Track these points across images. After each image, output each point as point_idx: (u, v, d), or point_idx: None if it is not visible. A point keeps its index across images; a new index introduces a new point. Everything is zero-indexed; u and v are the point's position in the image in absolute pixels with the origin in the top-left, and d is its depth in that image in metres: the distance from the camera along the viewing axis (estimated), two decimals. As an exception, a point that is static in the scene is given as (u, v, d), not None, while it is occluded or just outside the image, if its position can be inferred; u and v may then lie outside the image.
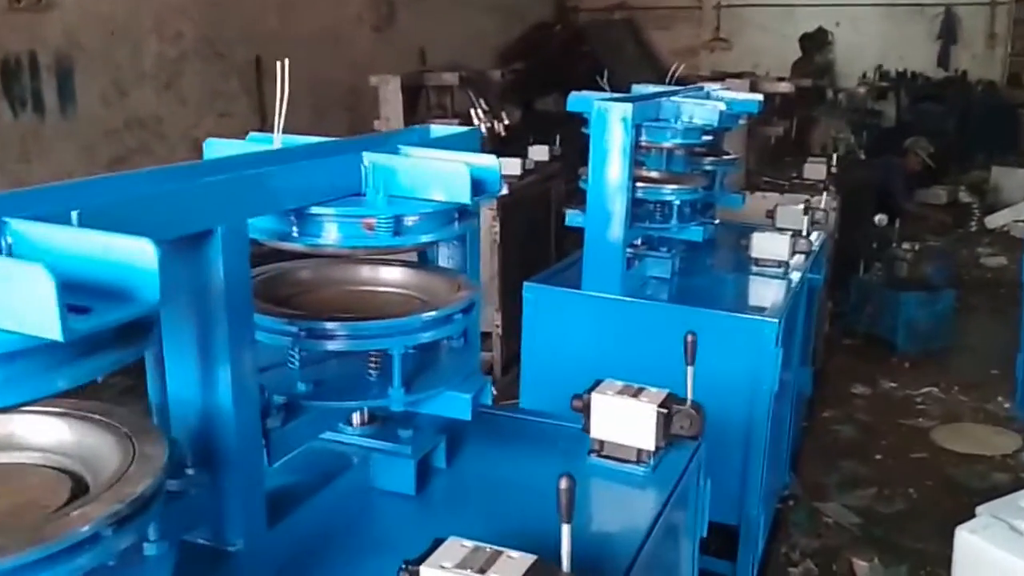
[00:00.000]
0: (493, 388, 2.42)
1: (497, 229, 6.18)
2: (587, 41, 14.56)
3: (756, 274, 4.64)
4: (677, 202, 4.27)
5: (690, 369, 2.53)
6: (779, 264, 4.64)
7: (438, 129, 2.62)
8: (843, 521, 4.99)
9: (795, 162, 8.11)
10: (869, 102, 14.48)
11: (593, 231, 4.03)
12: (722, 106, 4.28)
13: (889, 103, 14.85)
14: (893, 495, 5.32)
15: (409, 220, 2.08)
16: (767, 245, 4.66)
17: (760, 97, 5.12)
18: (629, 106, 3.86)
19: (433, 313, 2.14)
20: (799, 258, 4.76)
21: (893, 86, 15.68)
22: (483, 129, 6.74)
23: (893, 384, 7.02)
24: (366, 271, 2.42)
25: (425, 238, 2.13)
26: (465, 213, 2.26)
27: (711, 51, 16.79)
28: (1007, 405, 6.66)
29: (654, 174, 4.59)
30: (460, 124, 6.71)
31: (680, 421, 2.46)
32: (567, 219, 4.24)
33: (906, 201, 11.07)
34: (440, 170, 2.07)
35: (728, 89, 5.62)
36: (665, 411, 2.43)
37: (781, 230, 5.12)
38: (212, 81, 9.14)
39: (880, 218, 7.98)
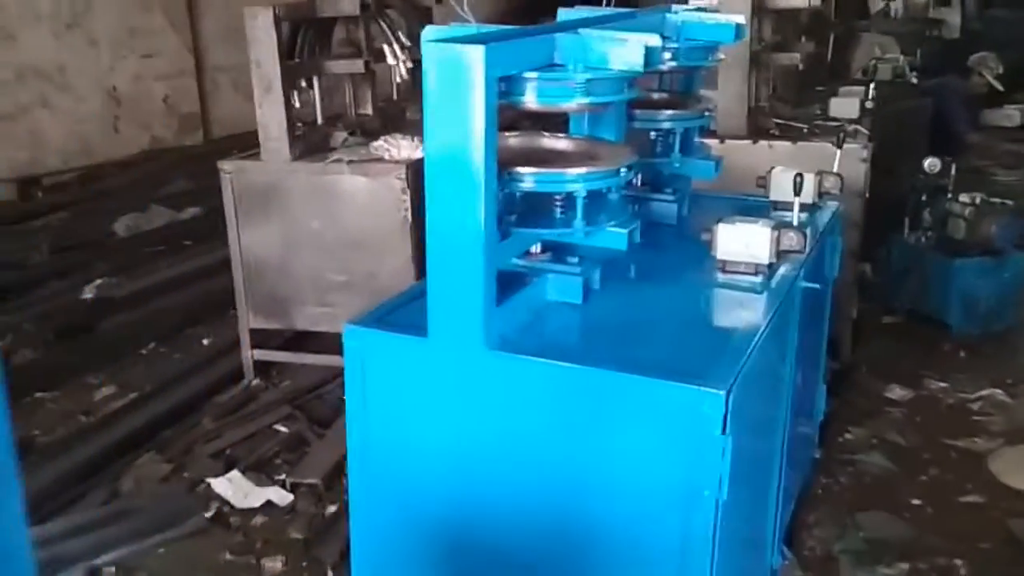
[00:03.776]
0: None
1: (407, 203, 4.78)
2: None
3: (723, 286, 3.28)
4: (583, 192, 2.84)
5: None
6: (756, 271, 3.24)
7: None
8: (857, 624, 3.60)
9: (827, 93, 6.58)
10: (930, 10, 12.65)
11: (437, 242, 2.63)
12: (653, 40, 2.82)
13: (953, 10, 13.00)
14: (932, 570, 3.91)
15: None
16: (738, 242, 3.27)
17: (739, 19, 3.67)
18: (480, 49, 2.42)
19: None
20: (793, 259, 3.34)
21: (959, -11, 13.84)
22: (403, 71, 5.30)
23: (942, 384, 5.57)
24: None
25: None
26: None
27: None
28: (1094, 415, 5.20)
29: (562, 145, 3.16)
30: (370, 65, 5.31)
31: None
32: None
33: (968, 132, 9.41)
34: None
35: (704, 9, 4.12)
36: None
37: (774, 207, 3.76)
38: (129, 17, 7.76)
39: (931, 163, 6.43)
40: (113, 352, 5.90)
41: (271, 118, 4.99)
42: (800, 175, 3.42)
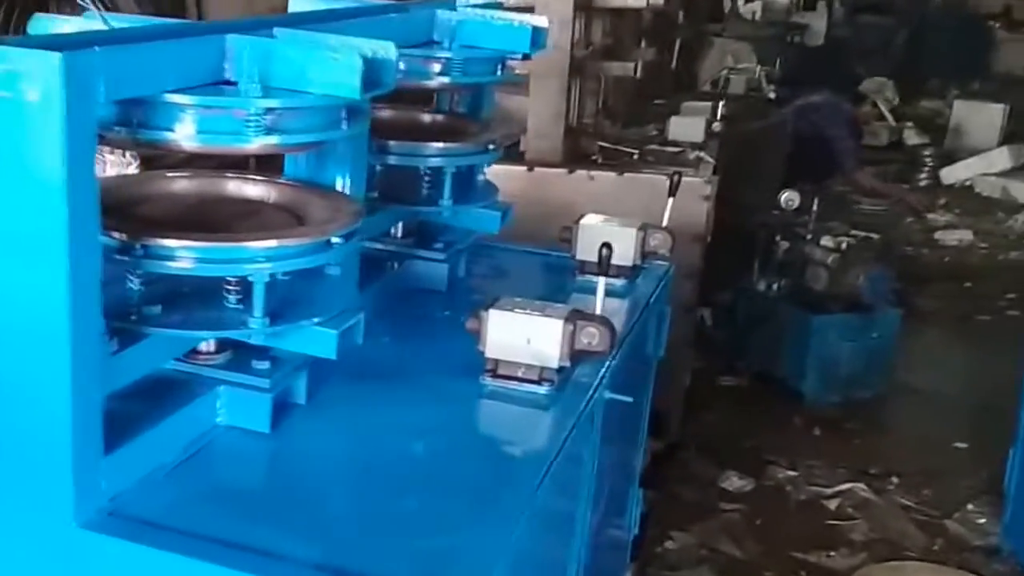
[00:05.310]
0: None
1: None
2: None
3: (493, 397, 2.49)
4: (265, 279, 2.00)
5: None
6: (541, 377, 2.45)
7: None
8: None
9: (668, 109, 5.92)
10: (792, 14, 12.14)
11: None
12: (386, 51, 2.02)
13: (819, 15, 12.58)
14: None
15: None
16: (516, 336, 2.49)
17: (539, 22, 2.93)
18: (55, 59, 1.58)
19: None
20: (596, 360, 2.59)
21: (825, -9, 13.45)
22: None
23: (791, 472, 4.92)
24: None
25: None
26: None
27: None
28: (982, 520, 4.58)
29: (256, 192, 2.34)
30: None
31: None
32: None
33: (853, 168, 8.88)
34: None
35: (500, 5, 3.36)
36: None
37: (581, 269, 3.07)
38: None
39: (788, 197, 5.80)
40: None
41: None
42: (608, 246, 2.64)
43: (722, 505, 4.64)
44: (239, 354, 2.22)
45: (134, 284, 2.03)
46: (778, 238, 5.89)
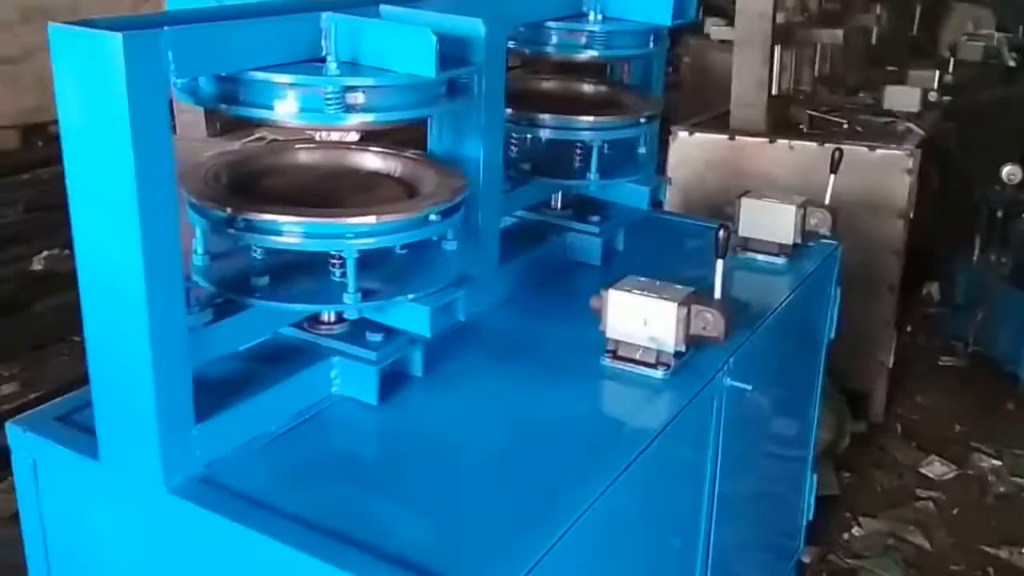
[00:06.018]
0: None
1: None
2: None
3: (608, 377, 2.46)
4: (354, 254, 2.03)
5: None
6: (657, 361, 2.38)
7: None
8: None
9: (898, 76, 5.66)
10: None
11: (95, 320, 1.86)
12: (473, 27, 2.02)
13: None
14: None
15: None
16: (633, 318, 2.45)
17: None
18: (116, 39, 1.67)
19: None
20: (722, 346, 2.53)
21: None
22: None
23: (996, 462, 4.64)
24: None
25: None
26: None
27: None
28: None
29: (376, 165, 2.37)
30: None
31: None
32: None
33: None
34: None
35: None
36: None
37: (743, 246, 3.03)
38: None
39: (1010, 171, 5.42)
40: (40, 337, 5.28)
41: None
42: (725, 226, 2.52)
43: (918, 492, 4.41)
44: (358, 325, 2.26)
45: (255, 255, 2.11)
46: (1000, 214, 5.53)
